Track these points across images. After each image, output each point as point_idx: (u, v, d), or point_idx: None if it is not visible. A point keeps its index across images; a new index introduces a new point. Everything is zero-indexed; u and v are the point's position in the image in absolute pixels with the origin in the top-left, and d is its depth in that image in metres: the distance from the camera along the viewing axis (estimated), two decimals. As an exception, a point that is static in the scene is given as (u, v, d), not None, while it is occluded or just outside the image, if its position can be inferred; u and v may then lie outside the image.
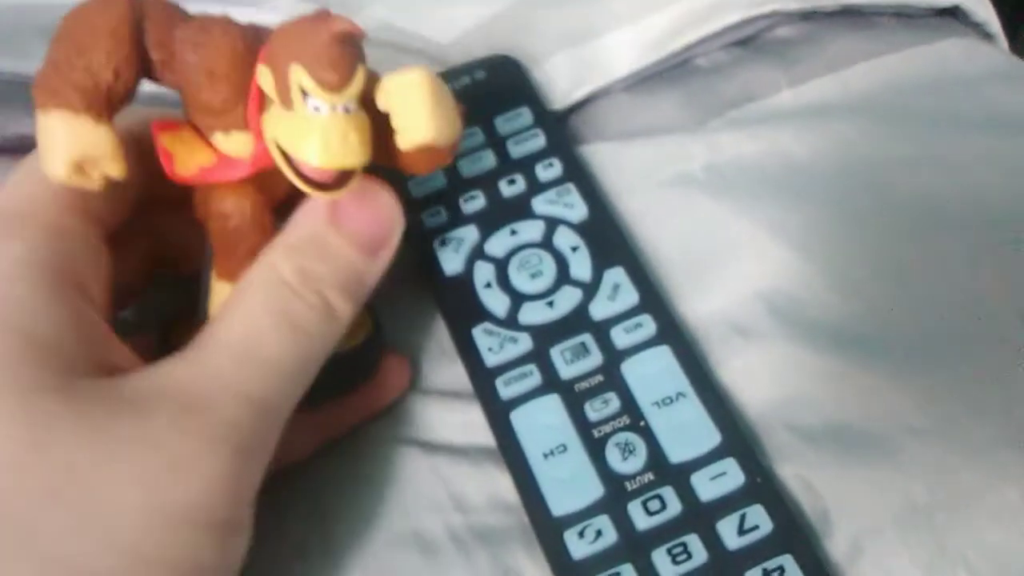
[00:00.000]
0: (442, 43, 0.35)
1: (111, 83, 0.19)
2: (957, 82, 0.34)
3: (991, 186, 0.30)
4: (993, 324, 0.26)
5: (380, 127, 0.22)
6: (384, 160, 0.23)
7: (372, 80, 0.21)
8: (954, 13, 0.37)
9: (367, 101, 0.21)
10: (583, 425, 0.25)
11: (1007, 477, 0.24)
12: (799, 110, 0.33)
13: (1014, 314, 0.26)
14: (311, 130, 0.20)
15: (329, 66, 0.19)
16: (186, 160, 0.21)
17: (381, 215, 0.23)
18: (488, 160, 0.30)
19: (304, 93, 0.19)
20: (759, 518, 0.23)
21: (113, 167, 0.20)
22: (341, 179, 0.21)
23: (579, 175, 0.30)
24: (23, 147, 0.31)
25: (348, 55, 0.19)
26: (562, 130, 0.32)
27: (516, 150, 0.30)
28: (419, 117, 0.21)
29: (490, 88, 0.32)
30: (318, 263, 0.22)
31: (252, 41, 0.21)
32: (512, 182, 0.29)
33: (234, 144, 0.21)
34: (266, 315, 0.21)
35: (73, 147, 0.19)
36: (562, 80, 0.33)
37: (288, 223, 0.23)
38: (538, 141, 0.30)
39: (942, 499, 0.23)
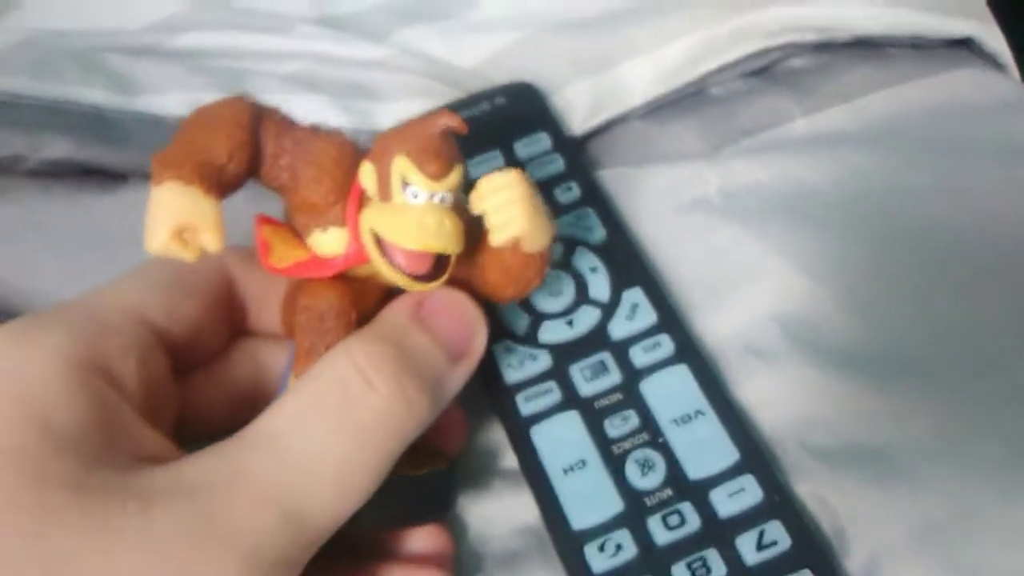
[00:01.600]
0: (464, 69, 0.36)
1: (224, 163, 0.20)
2: (970, 112, 0.34)
3: (1003, 214, 0.31)
4: (1004, 348, 0.27)
5: (472, 242, 0.22)
6: (475, 280, 0.23)
7: (467, 182, 0.22)
8: (967, 44, 0.38)
9: (460, 209, 0.22)
10: (603, 441, 0.25)
11: (1022, 495, 0.24)
12: (812, 139, 0.33)
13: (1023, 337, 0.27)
14: (409, 214, 0.20)
15: (432, 157, 0.20)
16: (283, 253, 0.22)
17: (467, 322, 0.23)
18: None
19: (405, 183, 0.20)
20: (778, 534, 0.23)
21: (212, 240, 0.20)
22: (434, 270, 0.21)
23: (597, 199, 0.30)
24: (55, 172, 0.32)
25: (449, 149, 0.21)
26: (580, 155, 0.33)
27: (535, 174, 0.31)
28: (513, 212, 0.22)
29: (510, 113, 0.33)
30: (398, 352, 0.21)
31: (356, 148, 0.22)
32: (532, 205, 0.30)
33: (330, 241, 0.22)
34: (324, 407, 0.20)
35: (179, 214, 0.20)
36: (580, 107, 0.34)
37: (371, 323, 0.22)
38: (557, 165, 0.31)
39: (957, 518, 0.23)
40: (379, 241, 0.21)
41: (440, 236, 0.20)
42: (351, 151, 0.22)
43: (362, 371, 0.20)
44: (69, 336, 0.20)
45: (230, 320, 0.25)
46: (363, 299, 0.22)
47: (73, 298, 0.22)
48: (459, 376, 0.22)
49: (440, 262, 0.21)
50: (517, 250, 0.23)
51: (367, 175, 0.21)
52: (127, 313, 0.22)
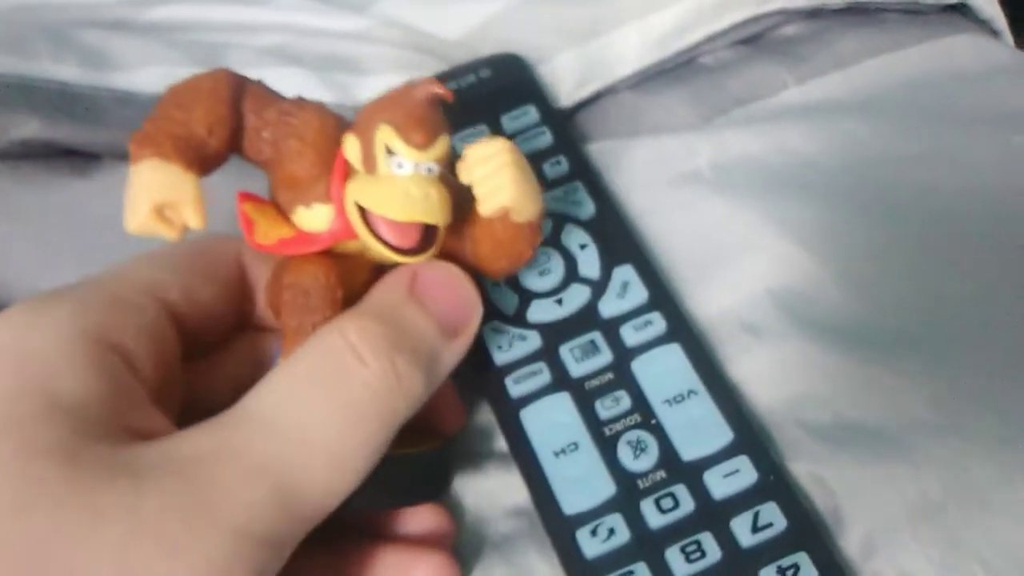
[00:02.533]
0: (448, 40, 0.35)
1: (204, 138, 0.20)
2: (964, 78, 0.34)
3: (999, 182, 0.30)
4: (1003, 320, 0.26)
5: (462, 214, 0.22)
6: (465, 253, 0.23)
7: (453, 156, 0.22)
8: (961, 10, 0.37)
9: (448, 181, 0.21)
10: (594, 423, 0.24)
11: (1021, 472, 0.23)
12: (805, 108, 0.32)
13: (1020, 309, 0.26)
14: (394, 185, 0.20)
15: (416, 125, 0.20)
16: (267, 230, 0.21)
17: (462, 298, 0.22)
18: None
19: (389, 153, 0.20)
20: (773, 516, 0.22)
21: (194, 216, 0.19)
22: (422, 242, 0.21)
23: (586, 173, 0.30)
24: (26, 153, 0.31)
25: (434, 118, 0.20)
26: (568, 128, 0.32)
27: (522, 148, 0.30)
28: (501, 180, 0.21)
29: (496, 86, 0.32)
30: (391, 329, 0.20)
31: (340, 120, 0.21)
32: (519, 180, 0.29)
33: (315, 217, 0.21)
34: (315, 383, 0.19)
35: (158, 190, 0.19)
36: (568, 78, 0.33)
37: (363, 299, 0.21)
38: (544, 139, 0.30)
39: (956, 496, 0.23)
40: (364, 213, 0.20)
41: (426, 207, 0.20)
42: (335, 123, 0.21)
43: (353, 347, 0.20)
44: (82, 309, 0.20)
45: (240, 309, 0.24)
46: (352, 275, 0.22)
47: (91, 275, 0.22)
48: (454, 353, 0.22)
49: (428, 234, 0.21)
50: (507, 221, 0.22)
51: (351, 147, 0.21)
52: (145, 291, 0.21)
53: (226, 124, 0.20)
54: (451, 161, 0.22)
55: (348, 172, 0.21)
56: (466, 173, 0.21)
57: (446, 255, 0.22)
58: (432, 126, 0.20)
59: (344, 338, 0.20)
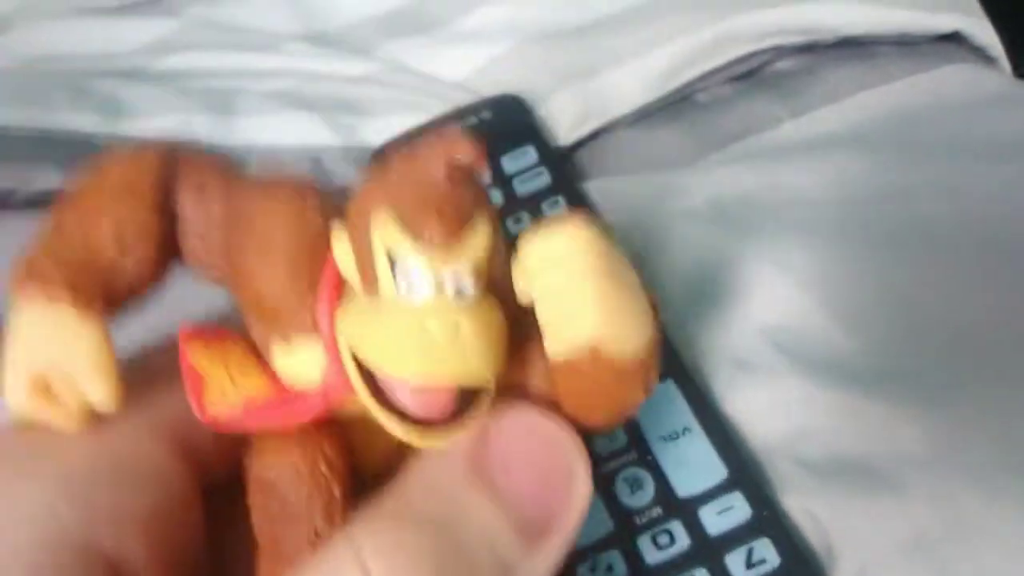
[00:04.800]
0: (450, 82, 0.36)
1: (114, 259, 0.13)
2: (957, 108, 0.34)
3: (992, 212, 0.30)
4: (993, 352, 0.27)
5: (527, 336, 0.14)
6: (538, 394, 0.15)
7: (503, 251, 0.14)
8: (955, 38, 0.37)
9: (498, 287, 0.14)
10: (591, 460, 0.25)
11: (1012, 505, 0.24)
12: (800, 142, 0.33)
13: (1011, 339, 0.27)
14: (401, 322, 0.13)
15: (432, 209, 0.12)
16: (224, 388, 0.14)
17: (556, 468, 0.14)
18: (495, 199, 0.31)
19: (393, 263, 0.13)
20: (766, 552, 0.23)
21: (98, 389, 0.13)
22: (455, 412, 0.14)
23: (582, 211, 0.30)
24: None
25: (462, 195, 0.13)
26: (566, 167, 0.33)
27: (522, 188, 0.31)
28: (578, 299, 0.13)
29: (497, 127, 0.33)
30: (438, 542, 0.13)
31: (328, 205, 0.14)
32: (519, 220, 0.30)
33: (298, 362, 0.14)
34: None
35: (39, 352, 0.13)
36: (566, 117, 0.34)
37: (391, 484, 0.14)
38: (543, 179, 0.31)
39: (947, 529, 0.24)
40: (364, 369, 0.13)
41: (456, 357, 0.13)
42: (318, 210, 0.14)
43: None
44: (64, 493, 0.13)
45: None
46: (367, 442, 0.15)
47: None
48: (543, 562, 0.14)
49: (465, 398, 0.14)
50: (599, 359, 0.14)
51: (342, 250, 0.14)
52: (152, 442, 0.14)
53: (150, 236, 0.14)
54: (502, 253, 0.14)
55: (342, 289, 0.14)
56: (524, 283, 0.14)
57: (508, 389, 0.15)
58: (456, 209, 0.13)
59: (357, 566, 0.12)
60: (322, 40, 0.38)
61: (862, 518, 0.24)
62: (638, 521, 0.24)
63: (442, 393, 0.13)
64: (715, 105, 0.35)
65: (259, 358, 0.14)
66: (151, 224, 0.14)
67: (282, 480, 0.14)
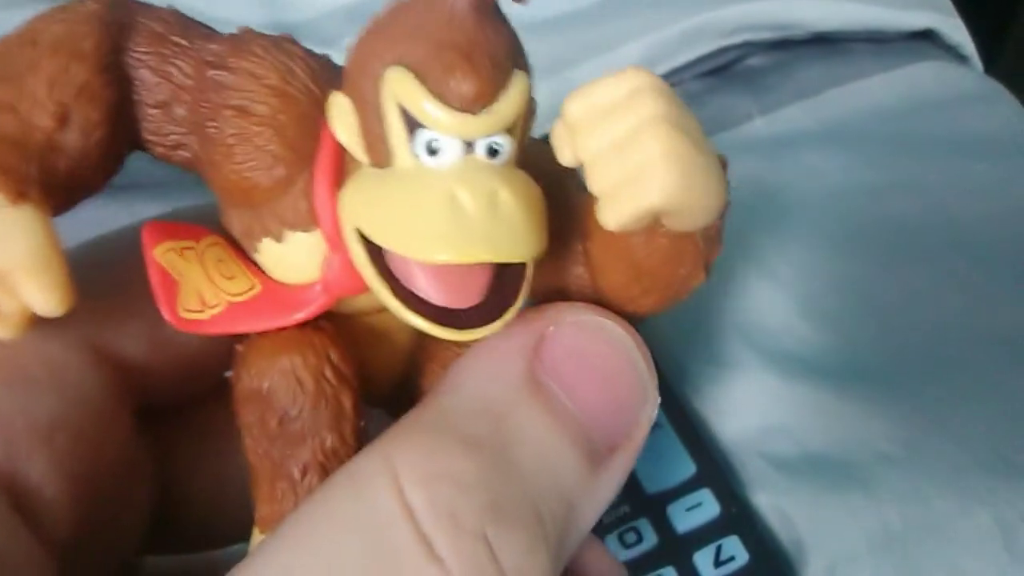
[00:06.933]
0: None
1: (51, 132, 0.11)
2: (927, 105, 0.34)
3: (959, 209, 0.30)
4: (960, 348, 0.27)
5: (566, 218, 0.12)
6: (578, 286, 0.13)
7: (535, 110, 0.12)
8: (928, 36, 0.37)
9: (535, 163, 0.12)
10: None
11: (980, 501, 0.24)
12: (771, 138, 0.33)
13: (980, 337, 0.27)
14: (425, 194, 0.10)
15: (459, 59, 0.10)
16: (202, 290, 0.12)
17: (622, 377, 0.12)
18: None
19: (411, 125, 0.10)
20: (735, 549, 0.23)
21: (38, 292, 0.10)
22: (490, 302, 0.11)
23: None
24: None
25: (492, 35, 0.10)
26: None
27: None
28: (644, 158, 0.10)
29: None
30: (488, 466, 0.11)
31: (322, 67, 0.12)
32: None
33: (292, 255, 0.12)
34: None
35: None
36: (539, 109, 0.33)
37: (430, 392, 0.12)
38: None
39: (916, 526, 0.23)
40: (375, 251, 0.11)
41: (493, 233, 0.10)
42: (311, 73, 0.12)
43: (412, 515, 0.10)
44: None
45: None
46: (379, 350, 0.13)
47: None
48: (609, 487, 0.12)
49: (503, 283, 0.11)
50: (657, 232, 0.12)
51: (342, 118, 0.11)
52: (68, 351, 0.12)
53: (97, 104, 0.11)
54: (535, 112, 0.12)
55: (343, 167, 0.12)
56: (568, 147, 0.11)
57: (544, 292, 0.13)
58: (489, 59, 0.10)
59: (396, 495, 0.10)
60: (289, 31, 0.37)
61: (832, 514, 0.24)
62: (604, 519, 0.24)
63: (474, 275, 0.11)
64: (686, 100, 0.34)
65: (241, 256, 0.12)
66: (96, 87, 0.11)
67: (279, 390, 0.11)
